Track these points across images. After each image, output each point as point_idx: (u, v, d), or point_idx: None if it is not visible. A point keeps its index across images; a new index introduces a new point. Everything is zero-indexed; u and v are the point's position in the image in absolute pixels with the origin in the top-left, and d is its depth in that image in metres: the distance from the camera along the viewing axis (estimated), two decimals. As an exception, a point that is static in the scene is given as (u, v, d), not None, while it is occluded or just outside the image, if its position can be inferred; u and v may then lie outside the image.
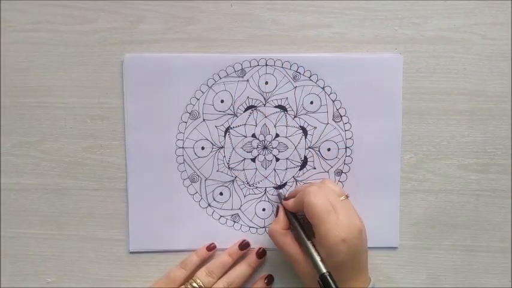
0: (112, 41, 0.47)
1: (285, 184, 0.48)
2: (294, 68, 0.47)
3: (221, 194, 0.48)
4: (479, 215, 0.49)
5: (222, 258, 0.46)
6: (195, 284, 0.44)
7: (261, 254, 0.47)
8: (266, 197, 0.48)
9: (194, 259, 0.47)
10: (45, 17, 0.47)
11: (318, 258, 0.41)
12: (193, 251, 0.48)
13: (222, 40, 0.47)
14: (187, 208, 0.48)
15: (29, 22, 0.47)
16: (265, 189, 0.48)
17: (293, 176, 0.48)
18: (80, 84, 0.47)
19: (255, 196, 0.48)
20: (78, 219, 0.48)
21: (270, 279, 0.48)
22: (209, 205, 0.48)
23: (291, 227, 0.45)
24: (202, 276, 0.45)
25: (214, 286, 0.44)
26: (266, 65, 0.47)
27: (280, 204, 0.47)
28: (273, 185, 0.48)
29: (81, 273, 0.49)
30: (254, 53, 0.47)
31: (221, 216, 0.48)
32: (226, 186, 0.48)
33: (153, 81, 0.47)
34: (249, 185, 0.48)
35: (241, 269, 0.46)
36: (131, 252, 0.48)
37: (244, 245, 0.47)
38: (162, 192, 0.48)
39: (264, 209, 0.48)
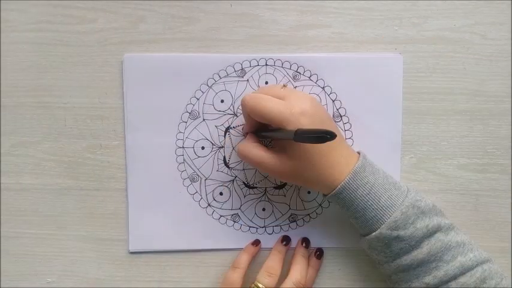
0: (112, 41, 0.47)
1: (285, 184, 0.48)
2: (294, 68, 0.47)
3: (221, 193, 0.48)
4: (479, 215, 0.49)
5: (275, 257, 0.46)
6: None
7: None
8: (266, 197, 0.48)
9: (245, 257, 0.46)
10: (45, 17, 0.47)
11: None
12: (193, 251, 0.48)
13: (222, 40, 0.47)
14: (187, 208, 0.48)
15: (29, 22, 0.47)
16: (265, 189, 0.48)
17: (293, 176, 0.48)
18: (80, 84, 0.47)
19: (255, 196, 0.48)
20: (78, 219, 0.48)
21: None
22: (209, 205, 0.48)
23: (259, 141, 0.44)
24: (263, 278, 0.44)
25: (282, 286, 0.44)
26: (266, 65, 0.47)
27: (243, 132, 0.47)
28: (273, 185, 0.48)
29: (81, 273, 0.49)
30: (254, 53, 0.47)
31: (221, 216, 0.48)
32: (226, 186, 0.48)
33: (153, 81, 0.47)
34: (249, 185, 0.48)
35: (304, 266, 0.46)
36: (131, 252, 0.48)
37: (287, 239, 0.48)
38: (162, 192, 0.48)
39: (264, 209, 0.48)
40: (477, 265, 0.40)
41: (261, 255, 0.48)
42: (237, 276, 0.45)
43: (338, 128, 0.43)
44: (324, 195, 0.43)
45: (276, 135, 0.41)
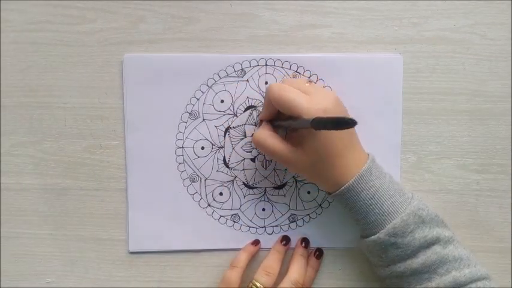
0: (112, 41, 0.47)
1: (285, 184, 0.48)
2: (294, 68, 0.47)
3: (221, 194, 0.48)
4: (479, 215, 0.49)
5: (274, 256, 0.46)
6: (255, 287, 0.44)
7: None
8: (266, 197, 0.48)
9: (244, 256, 0.46)
10: (45, 17, 0.47)
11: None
12: (193, 251, 0.48)
13: (222, 40, 0.47)
14: (187, 208, 0.48)
15: (29, 22, 0.47)
16: (265, 189, 0.48)
17: (293, 176, 0.48)
18: (80, 84, 0.47)
19: (255, 196, 0.48)
20: (78, 219, 0.48)
21: (306, 241, 0.48)
22: (209, 205, 0.48)
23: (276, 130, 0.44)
24: (260, 276, 0.44)
25: (280, 286, 0.44)
26: (266, 65, 0.47)
27: (258, 119, 0.47)
28: (273, 185, 0.48)
29: (81, 273, 0.49)
30: (254, 53, 0.47)
31: (221, 216, 0.48)
32: (226, 186, 0.48)
33: (153, 81, 0.47)
34: (249, 185, 0.48)
35: (303, 266, 0.46)
36: (131, 252, 0.48)
37: (286, 239, 0.48)
38: (161, 192, 0.48)
39: (263, 209, 0.48)
40: (471, 282, 0.40)
41: (261, 255, 0.48)
42: (235, 275, 0.45)
43: (355, 131, 0.43)
44: (328, 193, 0.43)
45: (293, 123, 0.41)
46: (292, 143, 0.42)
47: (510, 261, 0.49)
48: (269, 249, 0.47)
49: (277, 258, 0.46)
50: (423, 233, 0.40)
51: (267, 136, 0.42)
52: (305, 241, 0.48)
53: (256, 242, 0.48)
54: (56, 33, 0.47)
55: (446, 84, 0.48)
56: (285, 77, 0.47)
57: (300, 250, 0.47)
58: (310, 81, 0.44)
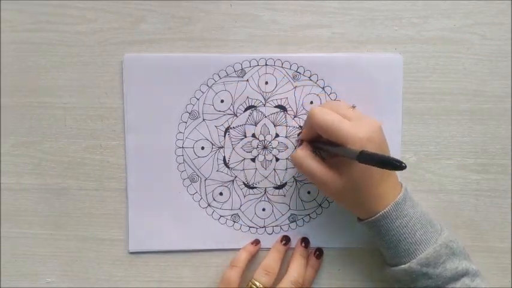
0: (112, 41, 0.47)
1: (285, 184, 0.48)
2: (294, 68, 0.47)
3: (221, 194, 0.48)
4: (479, 215, 0.49)
5: (273, 255, 0.46)
6: (254, 287, 0.44)
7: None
8: (266, 197, 0.48)
9: (244, 255, 0.46)
10: (45, 17, 0.47)
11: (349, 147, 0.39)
12: (193, 251, 0.48)
13: (222, 40, 0.47)
14: (187, 208, 0.48)
15: (29, 22, 0.47)
16: (265, 189, 0.48)
17: (293, 176, 0.48)
18: (80, 84, 0.47)
19: (255, 196, 0.48)
20: (78, 219, 0.48)
21: (305, 241, 0.48)
22: (209, 205, 0.48)
23: (315, 151, 0.44)
24: (260, 276, 0.44)
25: (279, 286, 0.44)
26: (266, 65, 0.47)
27: (298, 138, 0.47)
28: (273, 185, 0.48)
29: (81, 273, 0.49)
30: (254, 53, 0.47)
31: (221, 216, 0.48)
32: (226, 186, 0.48)
33: (153, 81, 0.47)
34: (249, 185, 0.48)
35: (302, 266, 0.46)
36: (131, 252, 0.48)
37: (286, 239, 0.47)
38: (161, 192, 0.48)
39: (263, 209, 0.48)
40: None
41: (261, 255, 0.48)
42: (235, 275, 0.45)
43: None
44: (359, 220, 0.43)
45: (337, 151, 0.40)
46: (330, 167, 0.42)
47: (510, 261, 0.49)
48: (269, 249, 0.47)
49: (277, 257, 0.46)
50: (454, 265, 0.40)
51: (306, 156, 0.42)
52: (305, 241, 0.48)
53: (256, 242, 0.48)
54: (56, 33, 0.47)
55: (446, 84, 0.48)
56: (327, 99, 0.47)
57: (300, 250, 0.47)
58: (353, 107, 0.43)
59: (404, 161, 0.48)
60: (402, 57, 0.47)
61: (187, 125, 0.48)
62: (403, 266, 0.41)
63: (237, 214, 0.48)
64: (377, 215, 0.40)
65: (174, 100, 0.47)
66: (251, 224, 0.48)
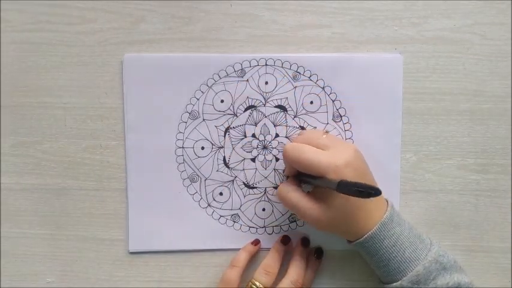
0: (112, 41, 0.47)
1: (285, 184, 0.48)
2: (294, 68, 0.47)
3: (221, 194, 0.48)
4: (479, 215, 0.49)
5: (273, 255, 0.46)
6: (254, 287, 0.44)
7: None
8: (266, 197, 0.48)
9: (243, 255, 0.46)
10: (45, 17, 0.47)
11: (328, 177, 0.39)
12: (193, 251, 0.48)
13: (222, 40, 0.47)
14: (187, 208, 0.48)
15: (29, 22, 0.47)
16: (265, 189, 0.48)
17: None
18: (80, 84, 0.47)
19: (255, 196, 0.48)
20: (78, 219, 0.48)
21: (305, 241, 0.48)
22: (209, 205, 0.48)
23: (302, 186, 0.45)
24: (260, 276, 0.44)
25: (279, 286, 0.44)
26: (266, 65, 0.47)
27: (283, 174, 0.48)
28: (273, 185, 0.48)
29: (81, 273, 0.49)
30: (254, 53, 0.47)
31: (221, 216, 0.48)
32: (226, 186, 0.48)
33: (153, 81, 0.47)
34: (249, 185, 0.48)
35: (302, 266, 0.46)
36: (131, 252, 0.48)
37: (286, 239, 0.47)
38: (161, 192, 0.48)
39: (263, 209, 0.48)
40: None
41: (261, 255, 0.48)
42: (235, 275, 0.45)
43: (374, 178, 0.43)
44: (349, 242, 0.43)
45: (318, 182, 0.41)
46: (317, 198, 0.42)
47: (510, 261, 0.49)
48: (269, 249, 0.47)
49: (277, 258, 0.46)
50: (445, 280, 0.40)
51: (290, 191, 0.43)
52: (305, 241, 0.48)
53: (256, 242, 0.48)
54: (56, 33, 0.47)
55: (446, 84, 0.48)
56: (299, 131, 0.47)
57: (300, 250, 0.47)
58: (326, 132, 0.43)
59: (404, 161, 0.48)
60: (402, 57, 0.47)
61: (187, 125, 0.48)
62: (395, 284, 0.41)
63: (237, 214, 0.48)
64: (364, 237, 0.41)
65: (174, 100, 0.47)
66: (251, 224, 0.48)
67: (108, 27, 0.47)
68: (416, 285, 0.40)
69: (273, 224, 0.48)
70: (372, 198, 0.35)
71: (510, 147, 0.48)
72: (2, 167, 0.48)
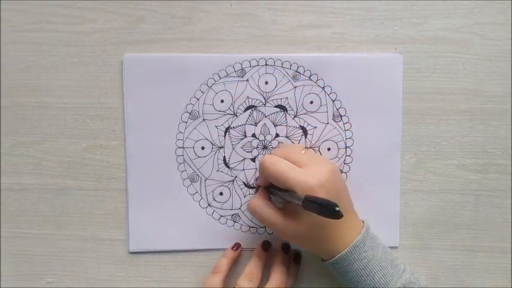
0: (112, 41, 0.47)
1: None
2: (294, 67, 0.47)
3: (221, 194, 0.48)
4: (479, 215, 0.49)
5: (255, 262, 0.46)
6: None
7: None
8: (266, 197, 0.48)
9: (224, 262, 0.46)
10: (45, 17, 0.47)
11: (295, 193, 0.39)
12: (193, 251, 0.48)
13: (222, 40, 0.47)
14: (187, 208, 0.48)
15: (29, 22, 0.47)
16: (265, 189, 0.48)
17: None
18: (80, 84, 0.47)
19: (255, 196, 0.48)
20: (78, 219, 0.48)
21: (286, 247, 0.47)
22: (209, 205, 0.48)
23: (271, 197, 0.45)
24: (244, 282, 0.45)
25: None
26: (266, 64, 0.47)
27: (255, 183, 0.48)
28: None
29: (81, 273, 0.49)
30: (254, 53, 0.47)
31: (221, 216, 0.48)
32: (226, 186, 0.48)
33: (153, 81, 0.47)
34: (249, 185, 0.48)
35: (283, 272, 0.46)
36: (131, 252, 0.48)
37: (267, 244, 0.47)
38: (162, 192, 0.48)
39: (264, 209, 0.48)
40: None
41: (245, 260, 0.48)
42: (217, 281, 0.45)
43: (351, 200, 0.43)
44: (322, 260, 0.43)
45: (287, 196, 0.41)
46: (288, 212, 0.42)
47: (510, 261, 0.49)
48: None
49: (259, 264, 0.46)
50: None
51: (260, 205, 0.43)
52: (285, 247, 0.47)
53: (236, 246, 0.48)
54: (56, 33, 0.47)
55: (446, 84, 0.48)
56: (280, 144, 0.47)
57: (281, 256, 0.47)
58: (306, 148, 0.43)
59: (404, 161, 0.48)
60: (402, 57, 0.47)
61: (187, 125, 0.48)
62: None
63: (237, 214, 0.48)
64: (335, 257, 0.41)
65: (174, 100, 0.47)
66: (251, 224, 0.48)
67: (108, 27, 0.47)
68: None
69: (273, 224, 0.48)
70: (342, 219, 0.35)
71: (510, 147, 0.48)
72: (2, 167, 0.48)
